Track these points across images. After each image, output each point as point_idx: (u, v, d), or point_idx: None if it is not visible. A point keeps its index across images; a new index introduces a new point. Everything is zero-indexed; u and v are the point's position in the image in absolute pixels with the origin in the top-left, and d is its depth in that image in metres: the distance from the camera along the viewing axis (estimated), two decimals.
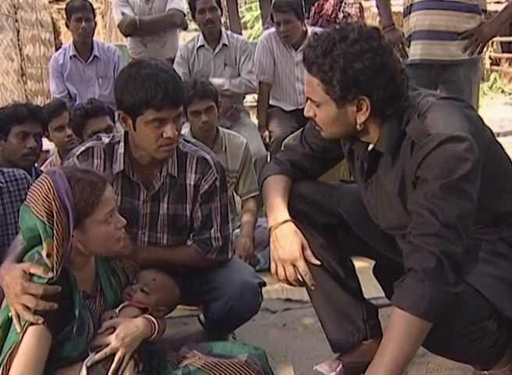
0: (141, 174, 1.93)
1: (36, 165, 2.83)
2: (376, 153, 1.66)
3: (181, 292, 1.86)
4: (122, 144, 1.91)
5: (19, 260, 1.55)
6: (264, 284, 2.05)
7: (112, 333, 1.58)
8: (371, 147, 1.68)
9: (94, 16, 3.98)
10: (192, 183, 1.95)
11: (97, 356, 1.55)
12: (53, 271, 1.48)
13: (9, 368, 1.45)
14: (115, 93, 1.82)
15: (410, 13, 3.26)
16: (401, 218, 1.63)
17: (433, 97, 1.62)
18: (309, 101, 1.65)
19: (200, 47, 3.91)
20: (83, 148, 1.93)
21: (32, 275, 1.49)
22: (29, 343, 1.46)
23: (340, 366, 1.92)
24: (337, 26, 1.60)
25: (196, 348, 1.68)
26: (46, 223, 1.48)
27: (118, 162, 1.90)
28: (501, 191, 1.64)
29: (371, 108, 1.56)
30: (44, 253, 1.49)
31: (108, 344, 1.56)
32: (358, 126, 1.60)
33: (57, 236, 1.48)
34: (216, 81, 3.60)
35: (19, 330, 1.47)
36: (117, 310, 1.67)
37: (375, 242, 1.87)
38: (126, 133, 1.91)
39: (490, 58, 11.69)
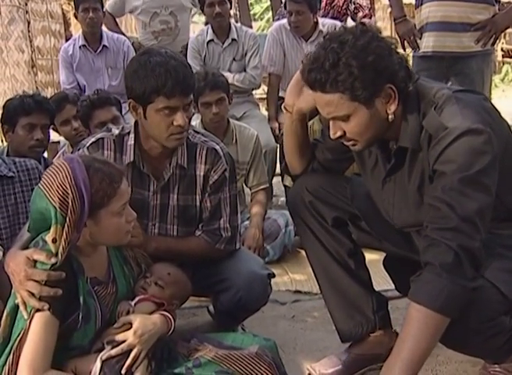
0: (151, 165, 1.94)
1: (46, 155, 2.84)
2: (401, 150, 1.64)
3: (191, 284, 1.87)
4: (132, 135, 1.91)
5: (25, 247, 1.56)
6: (273, 276, 2.06)
7: (128, 328, 1.58)
8: (392, 145, 1.66)
9: (102, 7, 3.97)
10: (202, 173, 1.95)
11: (114, 351, 1.55)
12: (57, 257, 1.48)
13: (19, 354, 1.47)
14: (126, 82, 1.82)
15: (422, 4, 3.24)
16: (419, 215, 1.62)
17: (449, 90, 1.60)
18: (332, 121, 1.60)
19: (209, 41, 3.91)
20: (93, 140, 1.94)
21: (36, 261, 1.50)
22: (36, 330, 1.47)
23: (349, 357, 1.92)
24: (326, 38, 1.57)
25: (206, 339, 1.68)
26: (58, 209, 1.48)
27: (128, 153, 1.91)
28: None
29: (398, 92, 1.55)
30: (49, 238, 1.49)
31: (124, 340, 1.56)
32: (390, 117, 1.57)
33: (68, 223, 1.48)
34: None
35: (26, 316, 1.48)
36: (132, 303, 1.67)
37: (389, 240, 1.86)
38: (136, 123, 1.91)
39: (502, 50, 11.57)
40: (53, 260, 1.48)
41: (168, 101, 1.75)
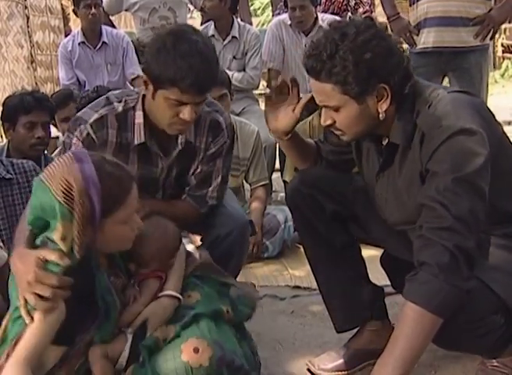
0: (160, 142, 1.90)
1: (46, 152, 2.84)
2: (392, 146, 1.64)
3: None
4: (140, 112, 1.84)
5: (31, 245, 1.45)
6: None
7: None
8: (385, 140, 1.66)
9: (102, 2, 3.97)
10: (203, 146, 1.95)
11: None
12: (70, 256, 1.39)
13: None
14: (145, 55, 1.74)
15: (418, 1, 3.23)
16: (409, 213, 1.61)
17: (444, 90, 1.60)
18: (324, 109, 1.61)
19: (210, 37, 3.89)
20: (96, 116, 1.84)
21: (46, 262, 1.38)
22: (34, 329, 1.38)
23: (348, 352, 1.92)
24: (331, 27, 1.58)
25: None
26: (62, 203, 1.37)
27: (136, 133, 1.84)
28: (510, 188, 1.61)
29: (391, 93, 1.54)
30: (56, 236, 1.39)
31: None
32: (381, 116, 1.57)
33: (78, 219, 1.38)
34: None
35: (27, 321, 1.38)
36: (136, 287, 1.62)
37: (387, 245, 1.88)
38: (143, 98, 1.84)
39: (502, 45, 11.53)
40: (66, 261, 1.38)
41: (181, 95, 1.69)
